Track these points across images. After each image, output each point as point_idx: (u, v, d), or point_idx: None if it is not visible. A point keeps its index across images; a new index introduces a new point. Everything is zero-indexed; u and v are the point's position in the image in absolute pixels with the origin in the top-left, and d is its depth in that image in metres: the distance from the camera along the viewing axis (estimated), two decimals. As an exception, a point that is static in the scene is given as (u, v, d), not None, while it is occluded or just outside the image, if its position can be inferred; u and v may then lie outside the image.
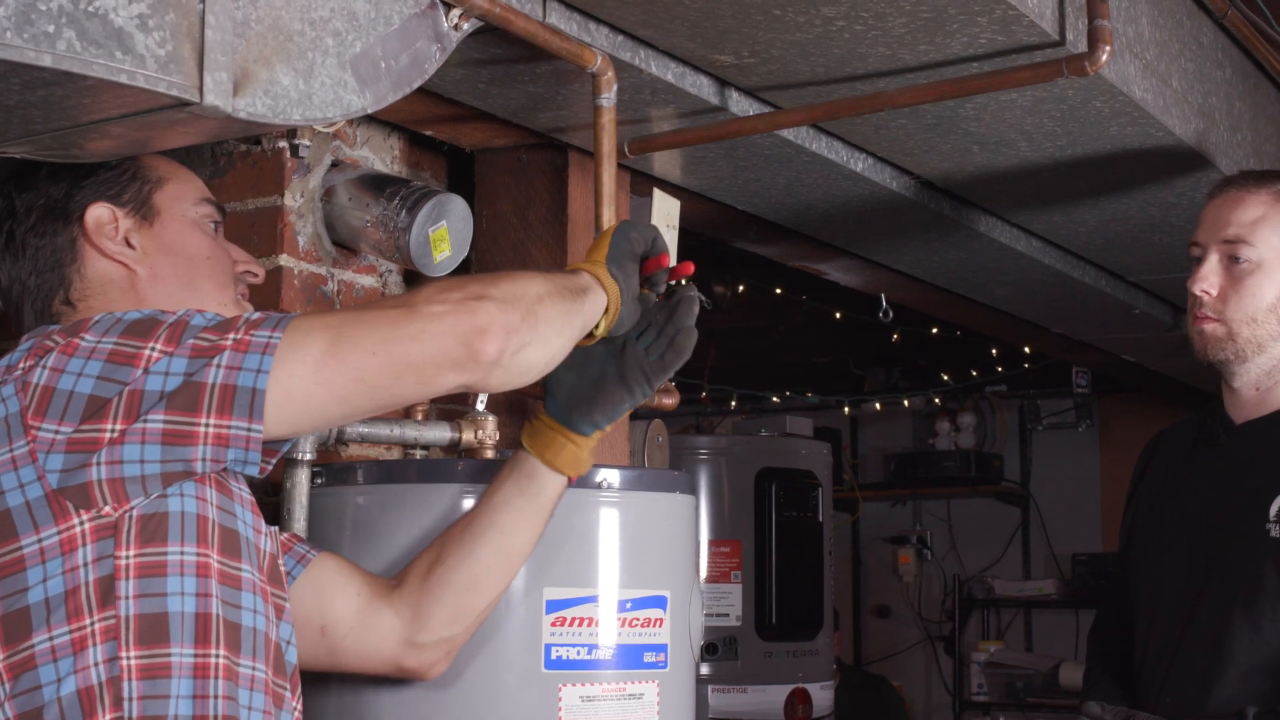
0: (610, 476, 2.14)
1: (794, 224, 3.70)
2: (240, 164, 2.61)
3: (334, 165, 2.65)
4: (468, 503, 2.06)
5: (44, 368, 1.62)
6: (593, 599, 2.10)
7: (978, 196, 3.61)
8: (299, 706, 1.81)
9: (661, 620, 2.15)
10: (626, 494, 2.15)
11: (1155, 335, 5.15)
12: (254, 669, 1.71)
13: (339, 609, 1.97)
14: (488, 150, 2.94)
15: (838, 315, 6.05)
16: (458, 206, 2.62)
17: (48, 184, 1.85)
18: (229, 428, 1.60)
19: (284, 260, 2.54)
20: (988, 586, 7.96)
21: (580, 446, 1.99)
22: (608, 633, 2.10)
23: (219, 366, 1.60)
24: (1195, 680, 2.53)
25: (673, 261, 2.10)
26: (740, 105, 2.79)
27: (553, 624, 2.07)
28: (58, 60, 1.53)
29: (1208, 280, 2.60)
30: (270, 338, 1.62)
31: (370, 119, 2.73)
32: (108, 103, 1.65)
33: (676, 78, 2.62)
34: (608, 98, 2.42)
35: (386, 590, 1.99)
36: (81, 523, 1.61)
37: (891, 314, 4.67)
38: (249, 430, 1.61)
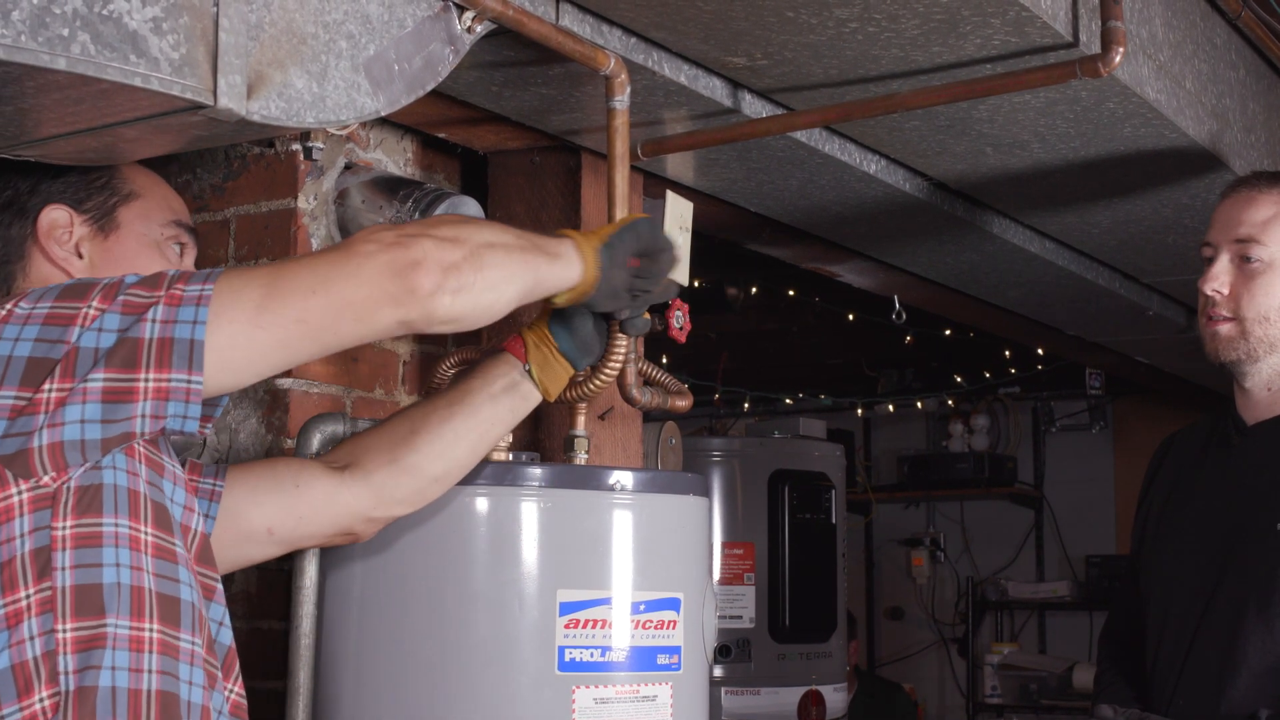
0: (624, 479, 2.14)
1: (807, 226, 3.70)
2: (254, 166, 2.61)
3: (347, 168, 2.65)
4: (476, 502, 2.07)
5: None
6: (606, 601, 2.10)
7: (991, 198, 3.60)
8: (238, 690, 1.79)
9: (675, 622, 2.15)
10: (640, 496, 2.15)
11: (1169, 337, 5.14)
12: (193, 644, 1.69)
13: (288, 506, 1.98)
14: (501, 152, 2.94)
15: (851, 317, 6.04)
16: (471, 209, 2.62)
17: (16, 176, 1.84)
18: (169, 380, 1.58)
19: (297, 263, 2.55)
20: (1001, 588, 7.95)
21: (568, 377, 2.07)
22: (621, 635, 2.10)
23: (154, 321, 1.59)
24: (1208, 682, 2.52)
25: (682, 263, 2.13)
26: (753, 107, 2.79)
27: (566, 626, 2.07)
28: (72, 64, 1.54)
29: (1219, 280, 2.59)
30: (202, 290, 1.61)
31: (383, 121, 2.73)
32: (122, 106, 1.66)
33: (689, 80, 2.62)
34: (621, 100, 2.42)
35: (337, 469, 2.00)
36: (20, 492, 1.59)
37: (905, 316, 4.66)
38: (189, 382, 1.59)
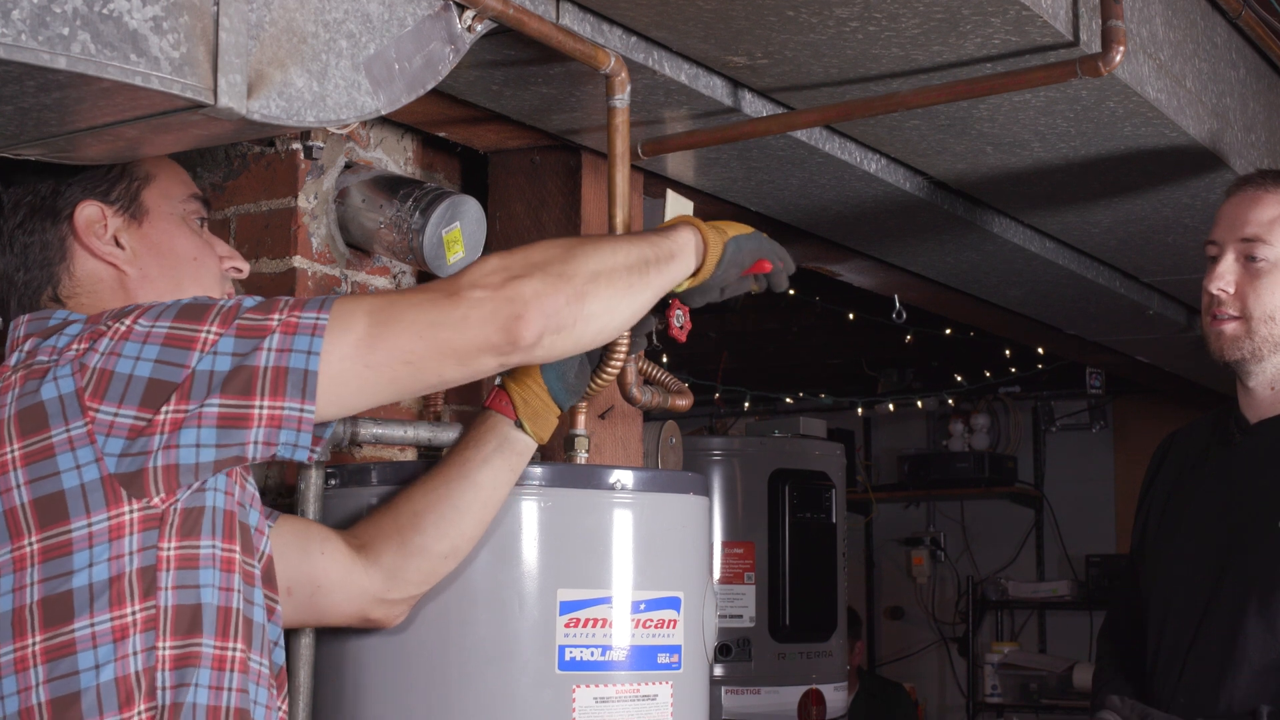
0: (624, 478, 2.14)
1: (807, 225, 3.70)
2: (254, 166, 2.61)
3: (347, 167, 2.65)
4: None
5: (99, 352, 1.63)
6: (606, 600, 2.10)
7: (991, 197, 3.60)
8: (284, 707, 1.84)
9: (675, 621, 2.15)
10: (640, 495, 2.15)
11: (1169, 336, 5.14)
12: (262, 664, 1.75)
13: (311, 570, 1.99)
14: (501, 152, 2.94)
15: (851, 316, 6.04)
16: (471, 208, 2.62)
17: (35, 179, 1.85)
18: (282, 409, 1.62)
19: (298, 262, 2.55)
20: (1001, 588, 7.95)
21: (558, 419, 2.08)
22: (621, 634, 2.10)
23: (269, 350, 1.63)
24: (1208, 680, 2.52)
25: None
26: (753, 106, 2.79)
27: (566, 625, 2.07)
28: (72, 63, 1.54)
29: (1224, 279, 2.60)
30: (318, 319, 1.65)
31: (384, 121, 2.73)
32: (122, 105, 1.66)
33: (690, 79, 2.62)
34: (621, 99, 2.42)
35: (355, 548, 2.01)
36: (131, 511, 1.62)
37: (905, 315, 4.66)
38: (301, 411, 1.63)
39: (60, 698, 1.60)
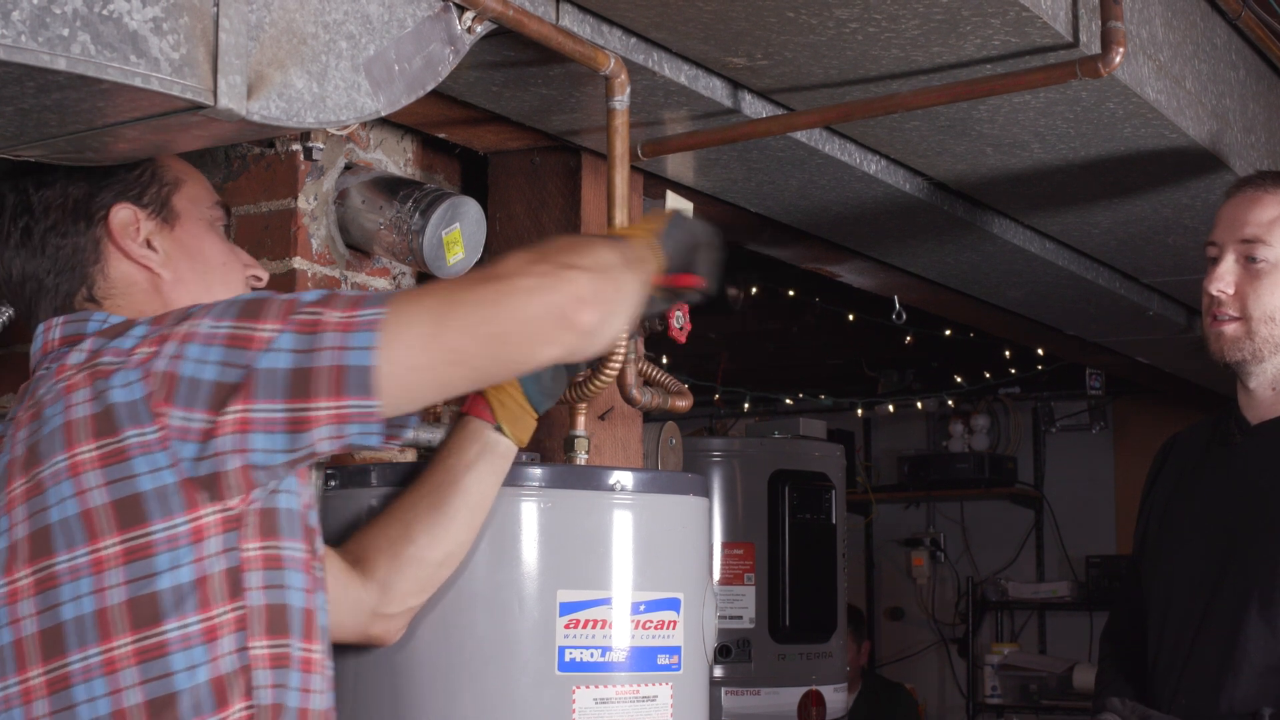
0: (624, 479, 2.14)
1: (807, 226, 3.70)
2: (254, 167, 2.61)
3: (347, 168, 2.65)
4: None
5: (166, 356, 1.63)
6: (606, 601, 2.10)
7: (991, 198, 3.60)
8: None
9: (675, 622, 2.15)
10: (640, 496, 2.15)
11: (1169, 337, 5.14)
12: (329, 667, 1.78)
13: (329, 585, 1.97)
14: (501, 153, 2.95)
15: (851, 317, 6.04)
16: (471, 209, 2.62)
17: (66, 183, 1.85)
18: (347, 407, 1.63)
19: (297, 263, 2.55)
20: (1001, 589, 7.95)
21: (536, 422, 2.08)
22: (621, 635, 2.10)
23: (329, 349, 1.63)
24: (1209, 681, 2.52)
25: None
26: (753, 107, 2.79)
27: (566, 626, 2.07)
28: (72, 64, 1.54)
29: (1224, 280, 2.60)
30: (376, 314, 1.65)
31: (384, 122, 2.73)
32: (122, 106, 1.66)
33: (689, 80, 2.62)
34: (621, 100, 2.43)
35: (351, 565, 2.01)
36: (211, 514, 1.63)
37: (905, 316, 4.66)
38: (367, 406, 1.63)
39: (156, 699, 1.61)
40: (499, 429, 2.03)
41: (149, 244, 1.86)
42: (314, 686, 1.72)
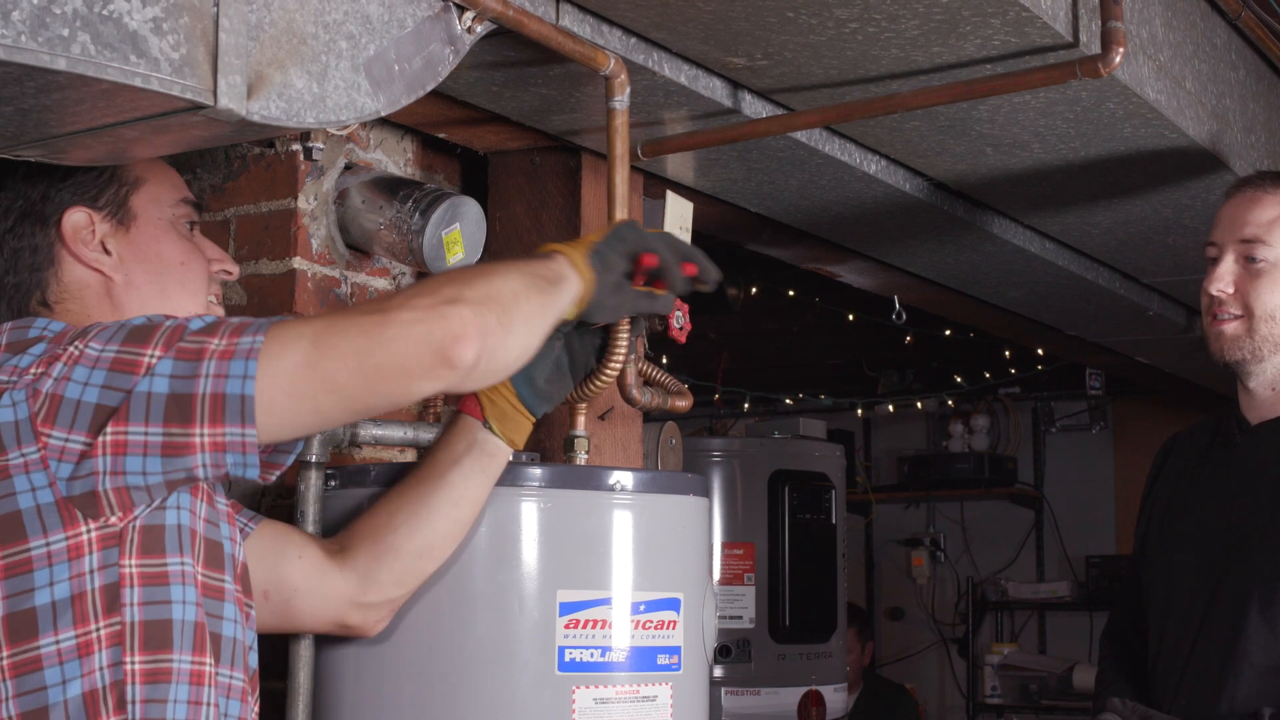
0: (624, 479, 2.14)
1: (807, 226, 3.70)
2: (254, 167, 2.61)
3: (347, 168, 2.65)
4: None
5: (52, 377, 1.63)
6: (606, 601, 2.10)
7: (991, 198, 3.60)
8: (256, 708, 1.85)
9: (675, 622, 2.15)
10: (640, 496, 2.15)
11: (1169, 337, 5.14)
12: (232, 677, 1.76)
13: (286, 574, 1.99)
14: (501, 153, 2.94)
15: (851, 317, 6.04)
16: (471, 209, 2.62)
17: (25, 184, 1.86)
18: (224, 435, 1.62)
19: (297, 263, 2.55)
20: (1001, 589, 7.94)
21: (532, 424, 2.06)
22: (621, 635, 2.10)
23: (207, 376, 1.61)
24: (1210, 681, 2.52)
25: (707, 272, 2.07)
26: (753, 107, 2.79)
27: (566, 626, 2.07)
28: (72, 64, 1.54)
29: (1224, 280, 2.60)
30: (253, 343, 1.63)
31: (384, 122, 2.73)
32: (122, 106, 1.66)
33: (689, 80, 2.62)
34: (621, 100, 2.42)
35: (332, 553, 2.01)
36: (89, 530, 1.63)
37: (905, 316, 4.66)
38: (243, 435, 1.62)
39: (30, 712, 1.61)
40: (488, 426, 2.03)
41: (104, 247, 1.85)
42: (209, 699, 1.71)
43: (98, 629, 1.63)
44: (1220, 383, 2.90)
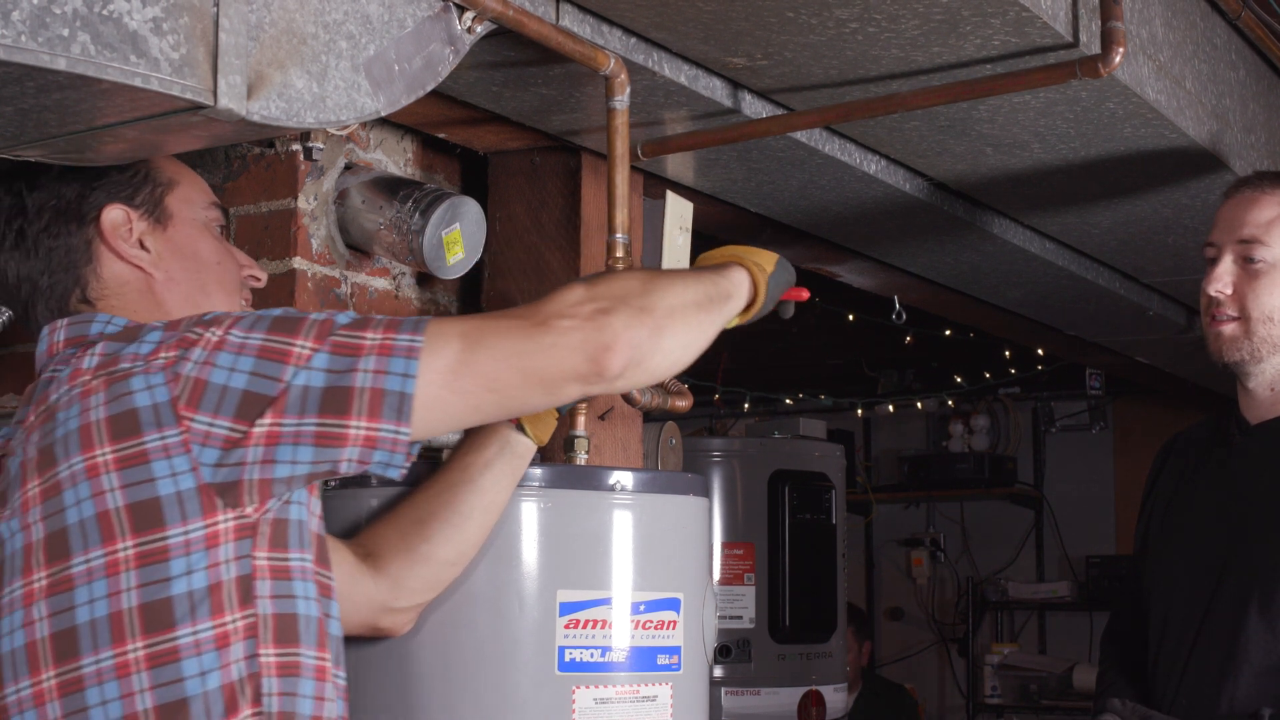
0: (624, 479, 2.14)
1: (807, 226, 3.70)
2: (254, 167, 2.61)
3: (347, 168, 2.65)
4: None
5: (192, 361, 1.63)
6: (606, 601, 2.10)
7: (991, 198, 3.60)
8: (343, 675, 1.85)
9: (675, 622, 2.15)
10: (640, 496, 2.15)
11: (1169, 337, 5.14)
12: (337, 676, 1.77)
13: (339, 579, 1.96)
14: (501, 153, 2.94)
15: (851, 317, 6.04)
16: (471, 209, 2.62)
17: (59, 184, 1.85)
18: (379, 430, 1.64)
19: (297, 263, 2.55)
20: (1001, 589, 7.95)
21: (556, 422, 2.10)
22: (621, 635, 2.10)
23: (365, 371, 1.63)
24: (1210, 681, 2.52)
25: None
26: (753, 107, 2.79)
27: (566, 626, 2.07)
28: (72, 64, 1.54)
29: (1223, 280, 2.60)
30: (413, 341, 1.66)
31: (383, 122, 2.73)
32: (122, 106, 1.66)
33: (689, 80, 2.62)
34: (621, 100, 2.43)
35: (361, 557, 2.01)
36: (226, 520, 1.64)
37: (904, 316, 4.66)
38: (397, 433, 1.64)
39: (168, 704, 1.61)
40: (520, 428, 2.04)
41: (141, 244, 1.86)
42: (329, 695, 1.73)
43: (234, 620, 1.64)
44: (1221, 383, 2.90)
